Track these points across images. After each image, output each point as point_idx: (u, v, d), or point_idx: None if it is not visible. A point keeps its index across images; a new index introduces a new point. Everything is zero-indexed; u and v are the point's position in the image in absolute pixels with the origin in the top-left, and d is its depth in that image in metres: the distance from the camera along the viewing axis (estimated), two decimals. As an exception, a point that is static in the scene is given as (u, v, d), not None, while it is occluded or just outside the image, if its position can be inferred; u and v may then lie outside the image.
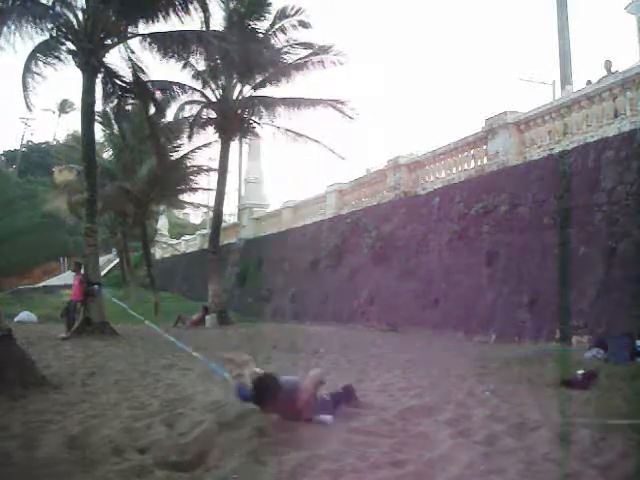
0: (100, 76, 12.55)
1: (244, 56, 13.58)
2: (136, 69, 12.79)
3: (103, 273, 22.28)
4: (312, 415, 3.86)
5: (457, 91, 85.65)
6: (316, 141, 17.77)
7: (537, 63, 65.79)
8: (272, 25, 16.56)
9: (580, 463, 3.09)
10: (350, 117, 16.94)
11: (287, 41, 16.77)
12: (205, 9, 12.43)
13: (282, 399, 3.73)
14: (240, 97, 17.44)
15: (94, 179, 12.45)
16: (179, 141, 20.98)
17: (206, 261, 18.95)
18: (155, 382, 5.91)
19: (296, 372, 6.65)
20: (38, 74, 12.19)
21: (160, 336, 11.79)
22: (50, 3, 11.80)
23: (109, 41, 12.46)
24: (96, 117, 15.38)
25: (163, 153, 18.16)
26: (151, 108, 13.99)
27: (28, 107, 12.69)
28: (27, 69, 12.17)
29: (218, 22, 16.46)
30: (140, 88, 13.17)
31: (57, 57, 12.22)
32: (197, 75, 16.56)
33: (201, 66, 16.01)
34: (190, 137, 18.42)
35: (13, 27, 11.17)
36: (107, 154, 29.64)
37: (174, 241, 39.72)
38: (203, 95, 17.32)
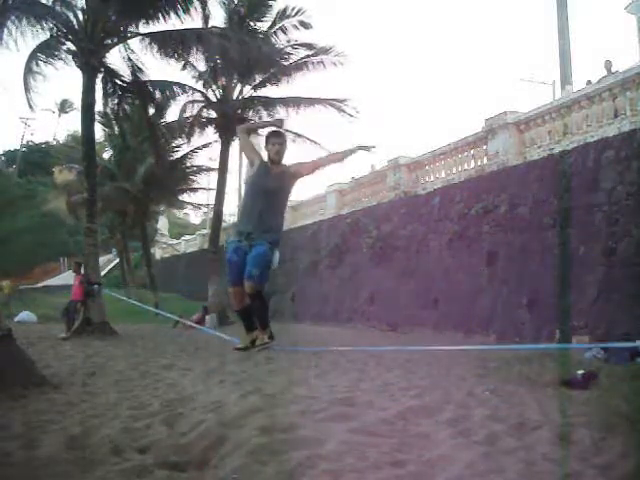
0: (100, 76, 12.57)
1: (244, 55, 13.58)
2: (136, 69, 12.81)
3: (103, 273, 22.30)
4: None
5: (457, 91, 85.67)
6: (315, 142, 17.80)
7: (537, 63, 65.83)
8: (273, 25, 16.59)
9: (580, 463, 3.09)
10: (350, 115, 16.97)
11: (288, 41, 16.83)
12: (205, 9, 12.44)
13: (285, 165, 4.48)
14: (240, 97, 17.46)
15: (94, 179, 12.46)
16: (179, 141, 21.02)
17: (206, 261, 18.96)
18: (155, 382, 5.89)
19: (296, 372, 6.67)
20: (39, 74, 12.21)
21: (161, 336, 11.81)
22: (50, 3, 11.82)
23: (109, 41, 12.46)
24: (96, 117, 15.40)
25: (162, 154, 18.16)
26: (150, 108, 14.00)
27: (30, 106, 12.71)
28: (28, 69, 12.18)
29: (219, 22, 16.51)
30: (140, 88, 13.17)
31: (58, 57, 12.23)
32: (197, 75, 16.58)
33: (201, 66, 16.05)
34: (190, 137, 18.44)
35: (14, 27, 11.19)
36: (107, 154, 29.67)
37: (174, 241, 39.74)
38: (203, 95, 17.34)
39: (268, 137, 4.39)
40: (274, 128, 4.55)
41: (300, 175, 4.35)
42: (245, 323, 3.72)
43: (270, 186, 4.09)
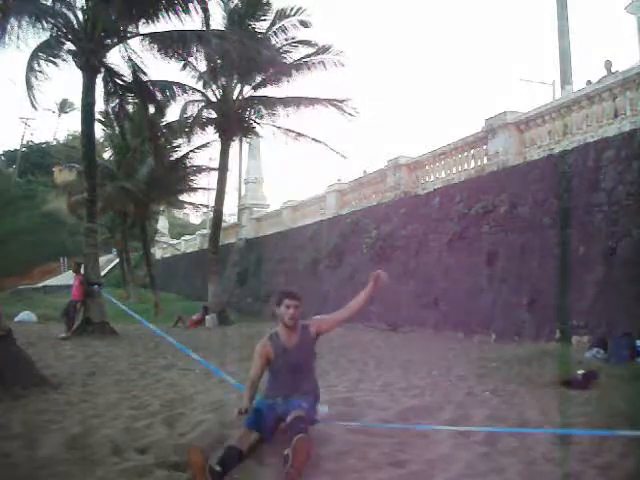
0: (100, 76, 12.56)
1: (244, 56, 13.57)
2: (136, 69, 12.80)
3: (103, 273, 22.29)
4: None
5: (457, 91, 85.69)
6: (317, 140, 17.77)
7: (537, 63, 65.84)
8: (272, 25, 16.56)
9: (580, 463, 3.09)
10: (350, 115, 16.94)
11: (286, 39, 16.78)
12: (205, 9, 12.43)
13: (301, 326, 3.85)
14: (240, 97, 17.45)
15: (94, 179, 12.45)
16: (179, 141, 21.00)
17: (206, 261, 18.96)
18: (155, 382, 5.91)
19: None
20: (41, 72, 12.20)
21: (161, 336, 11.78)
22: (50, 3, 11.82)
23: (109, 41, 12.45)
24: (97, 117, 15.39)
25: (162, 154, 18.15)
26: (151, 108, 14.00)
27: (33, 105, 12.67)
28: (30, 68, 12.17)
29: (218, 22, 16.49)
30: (141, 88, 13.17)
31: (59, 57, 12.23)
32: (197, 75, 16.56)
33: (201, 66, 16.03)
34: (190, 137, 18.43)
35: (15, 26, 11.19)
36: (107, 154, 29.67)
37: (174, 241, 39.75)
38: (203, 95, 17.33)
39: (281, 298, 3.82)
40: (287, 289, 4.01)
41: (321, 334, 3.91)
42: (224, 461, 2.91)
43: (293, 361, 3.56)
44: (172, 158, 22.44)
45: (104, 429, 3.73)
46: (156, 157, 17.34)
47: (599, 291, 8.79)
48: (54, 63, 12.23)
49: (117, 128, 22.97)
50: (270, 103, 17.37)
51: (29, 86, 12.19)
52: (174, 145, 21.55)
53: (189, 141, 19.06)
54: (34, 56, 12.07)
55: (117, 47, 12.67)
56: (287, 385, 3.49)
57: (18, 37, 11.40)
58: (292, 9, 16.28)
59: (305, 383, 3.56)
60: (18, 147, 55.17)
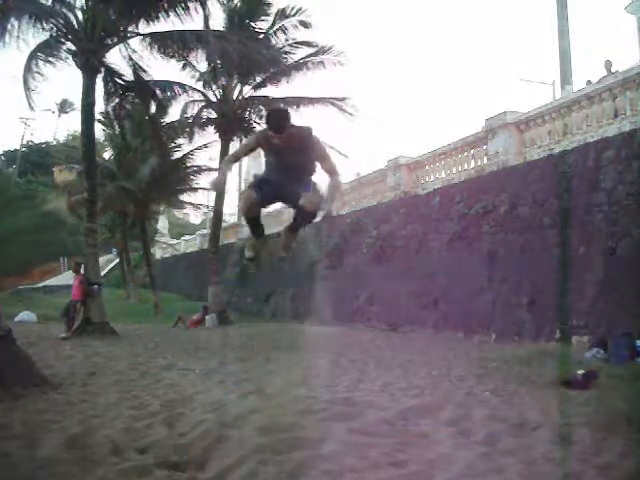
0: (100, 76, 12.56)
1: (244, 56, 13.58)
2: (137, 68, 12.81)
3: (103, 273, 22.27)
4: (333, 169, 3.56)
5: (457, 91, 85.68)
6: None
7: (537, 63, 65.83)
8: (272, 25, 16.56)
9: (580, 463, 3.09)
10: (350, 114, 16.94)
11: (287, 40, 16.78)
12: (205, 9, 12.45)
13: (297, 131, 3.47)
14: (240, 97, 17.45)
15: (94, 179, 12.45)
16: (180, 141, 21.02)
17: (206, 261, 18.96)
18: (155, 382, 5.91)
19: (296, 372, 6.67)
20: (39, 73, 12.21)
21: (161, 336, 11.81)
22: (50, 3, 11.82)
23: (109, 41, 12.46)
24: (97, 117, 15.40)
25: (165, 151, 18.17)
26: (152, 107, 14.01)
27: (30, 106, 12.71)
28: (28, 69, 12.18)
29: (219, 22, 16.50)
30: (141, 87, 13.17)
31: (58, 57, 12.23)
32: (197, 75, 16.57)
33: (201, 66, 16.04)
34: (191, 137, 18.43)
35: (15, 26, 11.19)
36: (107, 154, 29.65)
37: (174, 241, 39.72)
38: (203, 95, 17.33)
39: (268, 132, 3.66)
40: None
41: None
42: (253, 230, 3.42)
43: (287, 155, 3.54)
44: (172, 158, 22.46)
45: (104, 429, 3.72)
46: (160, 154, 17.36)
47: (599, 291, 8.79)
48: (52, 64, 12.25)
49: (117, 128, 23.00)
50: (270, 103, 17.36)
51: (27, 87, 12.21)
52: (174, 145, 21.57)
53: (190, 141, 19.05)
54: (32, 56, 12.09)
55: (117, 47, 12.69)
56: (286, 177, 3.52)
57: (18, 37, 11.42)
58: (292, 9, 16.28)
59: (305, 177, 3.55)
60: (18, 147, 55.13)
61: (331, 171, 3.59)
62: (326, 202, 3.53)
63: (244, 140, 4.13)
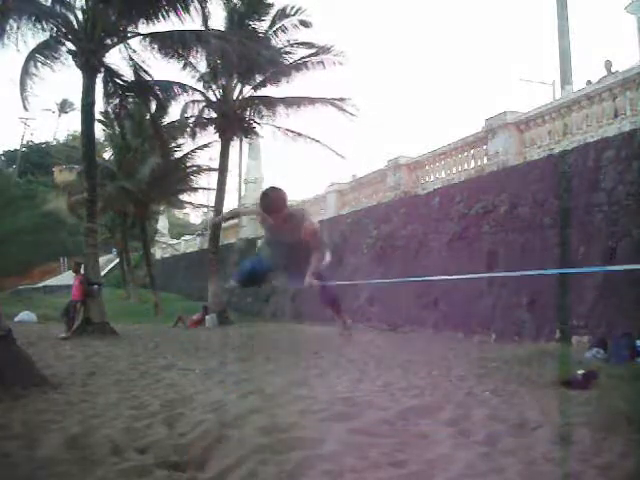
0: (100, 76, 12.56)
1: (244, 56, 13.58)
2: (137, 68, 12.80)
3: (103, 273, 22.29)
4: (318, 246, 3.80)
5: (457, 91, 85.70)
6: (316, 140, 17.78)
7: (537, 63, 65.83)
8: (272, 25, 16.56)
9: (580, 463, 3.09)
10: (351, 114, 16.94)
11: (288, 41, 16.79)
12: (205, 9, 12.44)
13: (289, 216, 3.73)
14: (240, 97, 17.45)
15: (94, 179, 12.45)
16: (180, 141, 21.03)
17: (206, 261, 18.96)
18: (155, 382, 5.91)
19: (296, 372, 6.67)
20: (36, 76, 12.21)
21: (161, 336, 11.81)
22: (49, 3, 11.82)
23: (109, 41, 12.46)
24: (97, 117, 15.40)
25: (167, 150, 18.18)
26: (153, 106, 14.01)
27: (25, 108, 12.73)
28: (25, 70, 12.18)
29: (219, 22, 16.51)
30: (141, 87, 13.17)
31: (56, 58, 12.23)
32: (197, 75, 16.56)
33: (201, 66, 16.04)
34: (194, 137, 18.45)
35: (14, 27, 11.19)
36: (107, 154, 29.66)
37: (174, 241, 39.72)
38: (203, 95, 17.33)
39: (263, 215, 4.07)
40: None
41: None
42: None
43: (284, 240, 3.89)
44: (173, 158, 22.46)
45: (104, 429, 3.72)
46: (161, 154, 17.36)
47: (599, 291, 8.79)
48: (50, 66, 12.24)
49: (117, 128, 23.00)
50: (270, 103, 17.36)
51: (23, 89, 12.21)
52: (175, 145, 21.58)
53: (194, 139, 19.05)
54: (30, 57, 12.09)
55: (117, 47, 12.69)
56: (283, 260, 3.87)
57: (17, 38, 11.42)
58: (292, 9, 16.30)
59: (303, 263, 3.79)
60: (18, 147, 55.15)
61: (316, 248, 3.88)
62: (312, 269, 3.81)
63: (252, 206, 4.53)
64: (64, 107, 60.20)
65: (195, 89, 16.84)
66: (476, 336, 10.78)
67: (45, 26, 11.64)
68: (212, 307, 16.73)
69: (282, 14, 16.44)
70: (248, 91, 17.56)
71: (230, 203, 56.13)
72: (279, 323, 16.28)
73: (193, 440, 3.44)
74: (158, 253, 39.23)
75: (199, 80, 16.77)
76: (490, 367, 6.99)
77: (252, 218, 23.06)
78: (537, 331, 9.68)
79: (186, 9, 12.02)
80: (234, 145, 19.33)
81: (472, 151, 13.17)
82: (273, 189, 3.80)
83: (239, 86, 17.41)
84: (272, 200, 3.72)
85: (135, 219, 26.54)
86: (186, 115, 17.97)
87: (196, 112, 17.68)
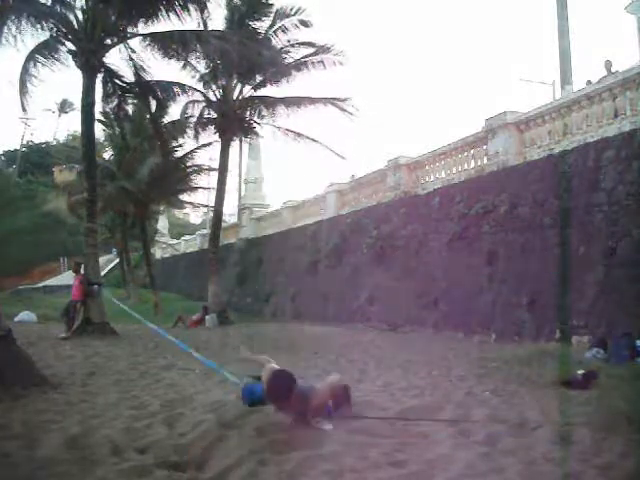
0: (100, 76, 12.55)
1: (244, 56, 13.56)
2: (137, 68, 12.78)
3: (103, 273, 22.27)
4: (318, 416, 3.78)
5: (457, 91, 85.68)
6: (316, 141, 17.76)
7: (537, 63, 65.81)
8: (272, 25, 16.55)
9: (580, 463, 3.09)
10: (351, 114, 16.91)
11: (288, 41, 16.76)
12: (204, 9, 12.42)
13: (296, 398, 3.68)
14: (240, 97, 17.44)
15: (94, 179, 12.44)
16: (180, 140, 21.01)
17: (206, 261, 18.96)
18: (155, 382, 5.91)
19: (296, 372, 6.66)
20: (35, 77, 12.20)
21: (161, 336, 11.78)
22: (49, 3, 11.80)
23: (109, 41, 12.44)
24: (97, 117, 15.39)
25: (167, 150, 18.16)
26: (153, 107, 13.99)
27: (23, 108, 12.71)
28: (25, 70, 12.16)
29: (219, 22, 16.49)
30: (141, 87, 13.16)
31: (56, 58, 12.20)
32: (197, 75, 16.55)
33: (201, 66, 16.02)
34: (196, 137, 18.44)
35: (13, 27, 11.17)
36: (107, 154, 29.67)
37: (174, 241, 39.73)
38: (203, 95, 17.32)
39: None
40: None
41: None
42: None
43: None
44: (173, 158, 22.46)
45: (104, 429, 3.72)
46: (161, 154, 17.34)
47: (599, 291, 8.79)
48: (50, 66, 12.22)
49: (117, 128, 22.99)
50: (270, 103, 17.35)
51: (23, 89, 12.19)
52: (174, 145, 21.57)
53: (197, 139, 19.00)
54: (30, 57, 12.07)
55: (117, 47, 12.67)
56: None
57: (16, 38, 11.40)
58: (292, 9, 16.27)
59: None
60: (18, 147, 55.15)
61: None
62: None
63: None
64: (64, 107, 60.23)
65: (195, 89, 16.83)
66: (476, 336, 10.78)
67: (45, 26, 11.63)
68: (212, 307, 16.72)
69: (282, 14, 16.42)
70: (248, 91, 17.56)
71: (230, 203, 55.93)
72: (279, 323, 16.28)
73: (193, 440, 3.45)
74: (158, 253, 39.25)
75: (199, 80, 16.76)
76: (490, 367, 6.99)
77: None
78: (537, 331, 9.68)
79: (186, 9, 12.00)
80: (234, 145, 19.31)
81: (472, 151, 13.17)
82: (279, 380, 3.82)
83: (239, 86, 17.39)
84: (279, 391, 3.80)
85: (135, 219, 26.53)
86: (186, 115, 17.96)
87: (196, 112, 17.68)
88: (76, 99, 49.37)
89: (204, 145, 21.05)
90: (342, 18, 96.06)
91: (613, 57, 16.99)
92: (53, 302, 21.53)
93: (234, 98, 17.33)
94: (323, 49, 16.60)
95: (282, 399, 3.72)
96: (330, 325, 14.56)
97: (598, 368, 6.01)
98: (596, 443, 3.41)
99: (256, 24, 16.58)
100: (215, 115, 17.61)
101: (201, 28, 12.95)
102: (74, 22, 11.91)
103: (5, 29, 11.08)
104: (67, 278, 24.36)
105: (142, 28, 12.56)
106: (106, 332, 11.38)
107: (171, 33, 12.47)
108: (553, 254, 9.72)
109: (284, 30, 16.53)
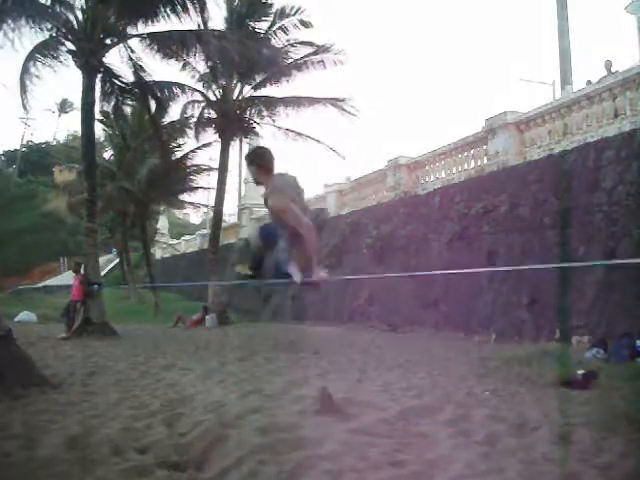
0: (99, 76, 12.55)
1: (244, 56, 13.56)
2: (137, 69, 12.79)
3: (103, 273, 22.28)
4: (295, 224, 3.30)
5: (457, 91, 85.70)
6: (316, 140, 17.76)
7: (537, 63, 65.84)
8: (272, 24, 16.55)
9: (580, 463, 3.08)
10: (351, 114, 16.91)
11: (288, 40, 16.77)
12: (204, 9, 12.42)
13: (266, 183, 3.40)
14: (240, 97, 17.44)
15: (94, 179, 12.45)
16: (180, 141, 21.02)
17: (206, 261, 18.96)
18: (155, 382, 5.91)
19: (296, 372, 6.66)
20: (36, 76, 12.20)
21: (161, 336, 11.80)
22: (49, 3, 11.80)
23: (109, 41, 12.45)
24: (97, 117, 15.39)
25: (167, 150, 18.15)
26: (152, 107, 13.99)
27: (25, 108, 12.71)
28: (25, 70, 12.16)
29: (219, 22, 16.51)
30: (141, 88, 13.16)
31: (56, 58, 12.21)
32: (197, 75, 16.55)
33: (201, 66, 16.02)
34: (197, 136, 18.43)
35: (13, 27, 11.17)
36: (107, 154, 29.67)
37: (174, 241, 39.72)
38: (203, 95, 17.32)
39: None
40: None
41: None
42: None
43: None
44: (172, 158, 22.45)
45: (104, 429, 3.72)
46: (161, 154, 17.33)
47: (599, 291, 8.79)
48: (50, 66, 12.22)
49: (117, 128, 22.98)
50: (270, 103, 17.35)
51: (23, 89, 12.18)
52: (174, 145, 21.57)
53: (197, 139, 19.01)
54: (30, 57, 12.06)
55: (117, 47, 12.67)
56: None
57: (16, 38, 11.40)
58: (292, 9, 16.29)
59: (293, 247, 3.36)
60: (18, 147, 55.18)
61: (297, 226, 3.36)
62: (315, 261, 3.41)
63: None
64: (64, 107, 60.27)
65: (195, 89, 16.83)
66: (476, 336, 10.78)
67: (45, 26, 11.63)
68: (212, 307, 16.73)
69: (282, 14, 16.43)
70: (248, 91, 17.56)
71: (230, 203, 55.98)
72: (279, 323, 16.28)
73: (193, 440, 3.44)
74: (158, 253, 39.22)
75: (199, 80, 16.77)
76: (490, 367, 6.98)
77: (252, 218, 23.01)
78: (537, 331, 9.68)
79: (185, 9, 11.99)
80: (234, 145, 19.30)
81: (472, 151, 13.17)
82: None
83: (239, 86, 17.40)
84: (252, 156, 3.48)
85: (135, 219, 26.52)
86: (186, 115, 17.96)
87: (196, 112, 17.69)
88: (76, 99, 49.42)
89: (204, 145, 21.05)
90: (342, 18, 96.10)
91: (613, 57, 17.04)
92: (53, 302, 21.54)
93: (234, 98, 17.33)
94: (323, 49, 16.59)
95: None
96: (330, 325, 14.56)
97: (598, 368, 6.01)
98: (596, 443, 3.40)
99: (256, 24, 16.59)
100: (215, 115, 17.61)
101: (201, 28, 12.94)
102: (74, 22, 11.92)
103: (5, 29, 11.09)
104: (67, 278, 24.37)
105: (142, 28, 12.57)
106: (106, 332, 11.39)
107: (171, 33, 12.48)
108: (553, 254, 9.72)
109: (284, 30, 16.54)
